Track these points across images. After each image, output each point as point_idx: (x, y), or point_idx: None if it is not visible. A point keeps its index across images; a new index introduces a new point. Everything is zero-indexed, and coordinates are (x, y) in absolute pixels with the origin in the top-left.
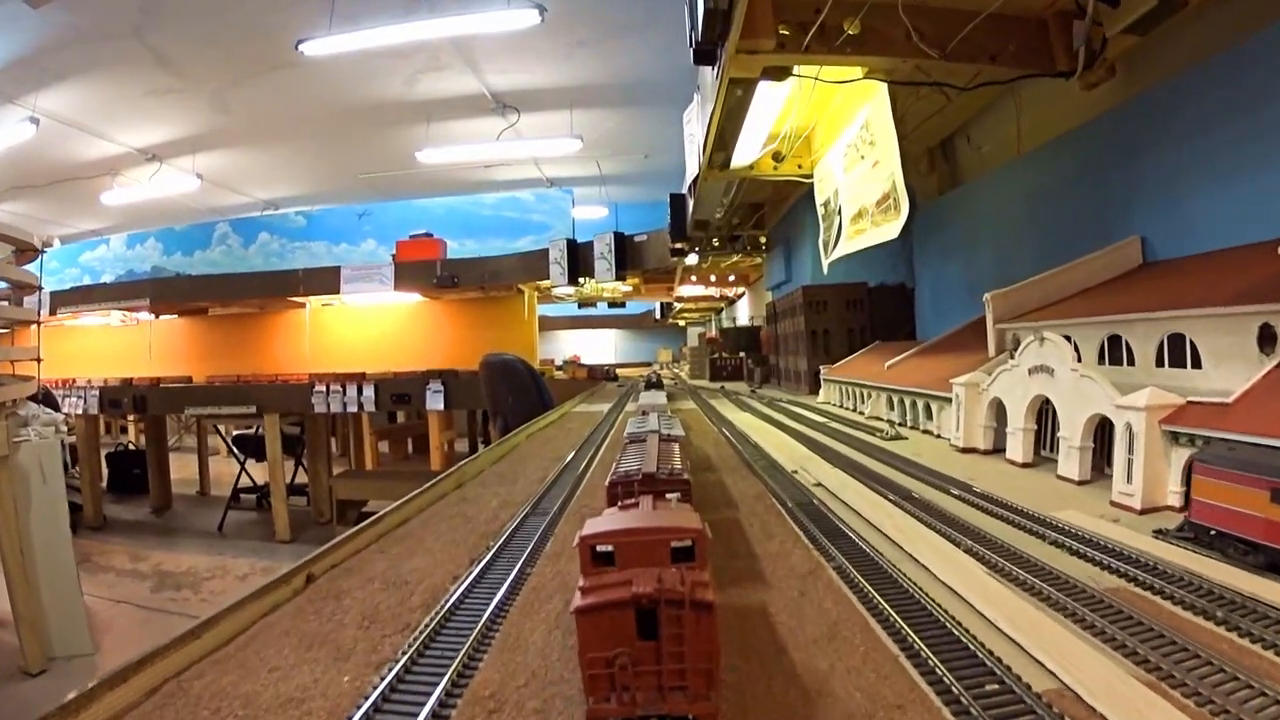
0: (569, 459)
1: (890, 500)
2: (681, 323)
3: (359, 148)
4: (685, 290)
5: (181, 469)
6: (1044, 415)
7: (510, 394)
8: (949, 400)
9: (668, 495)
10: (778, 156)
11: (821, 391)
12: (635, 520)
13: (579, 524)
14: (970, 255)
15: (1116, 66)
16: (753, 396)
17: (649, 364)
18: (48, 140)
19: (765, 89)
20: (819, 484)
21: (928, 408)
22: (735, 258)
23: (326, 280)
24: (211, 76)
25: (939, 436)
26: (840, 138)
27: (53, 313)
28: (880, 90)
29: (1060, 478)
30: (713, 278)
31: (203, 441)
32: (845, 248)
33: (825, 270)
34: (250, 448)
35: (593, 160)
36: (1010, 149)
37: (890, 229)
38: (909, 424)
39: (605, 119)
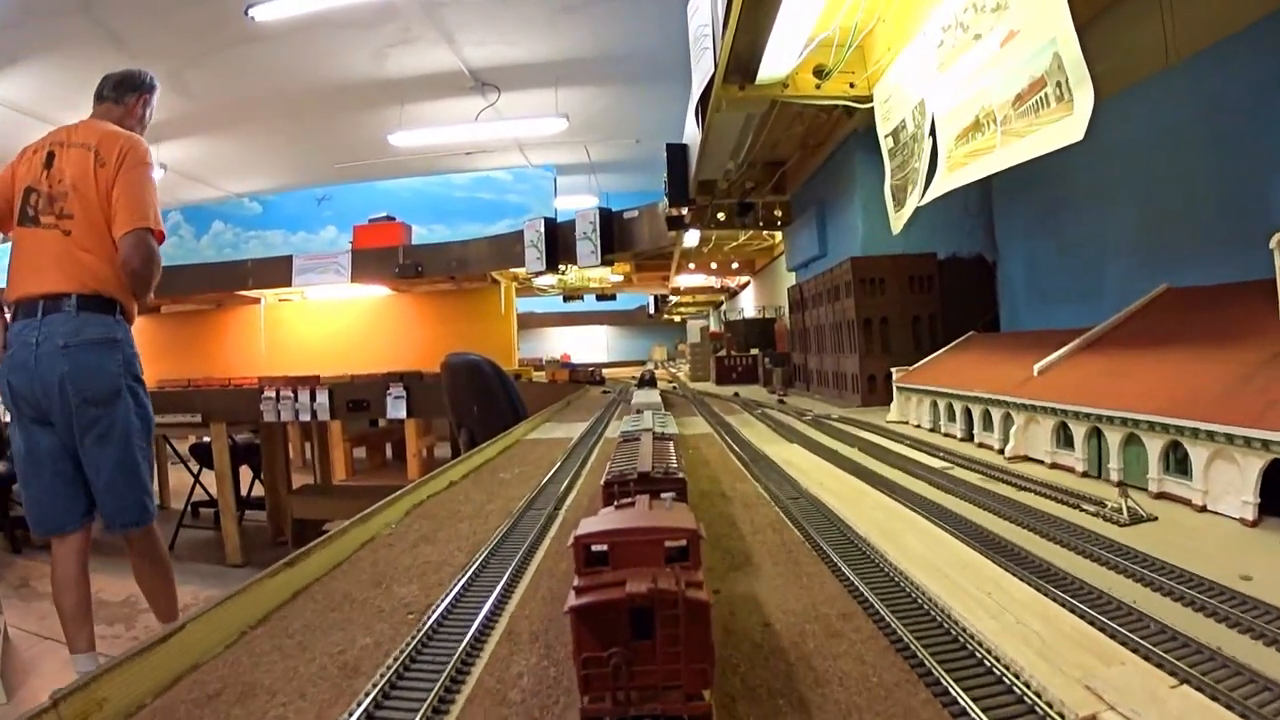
0: (435, 614)
1: None
2: (677, 318)
3: (330, 135)
4: (682, 280)
5: None
6: None
7: (475, 401)
8: (1251, 444)
9: (663, 495)
10: (821, 72)
11: (894, 406)
12: (630, 520)
13: None
14: (1093, 212)
15: None
16: (783, 409)
17: (643, 363)
18: (2, 131)
19: None
20: None
21: (1174, 453)
22: (744, 236)
23: (277, 271)
24: (166, 54)
25: (1206, 509)
26: (927, 22)
27: None
28: None
29: None
30: (713, 265)
31: (161, 450)
32: (946, 184)
33: (896, 229)
34: (210, 457)
35: (580, 145)
36: (1150, 60)
37: (1057, 133)
38: (1115, 477)
39: (593, 98)
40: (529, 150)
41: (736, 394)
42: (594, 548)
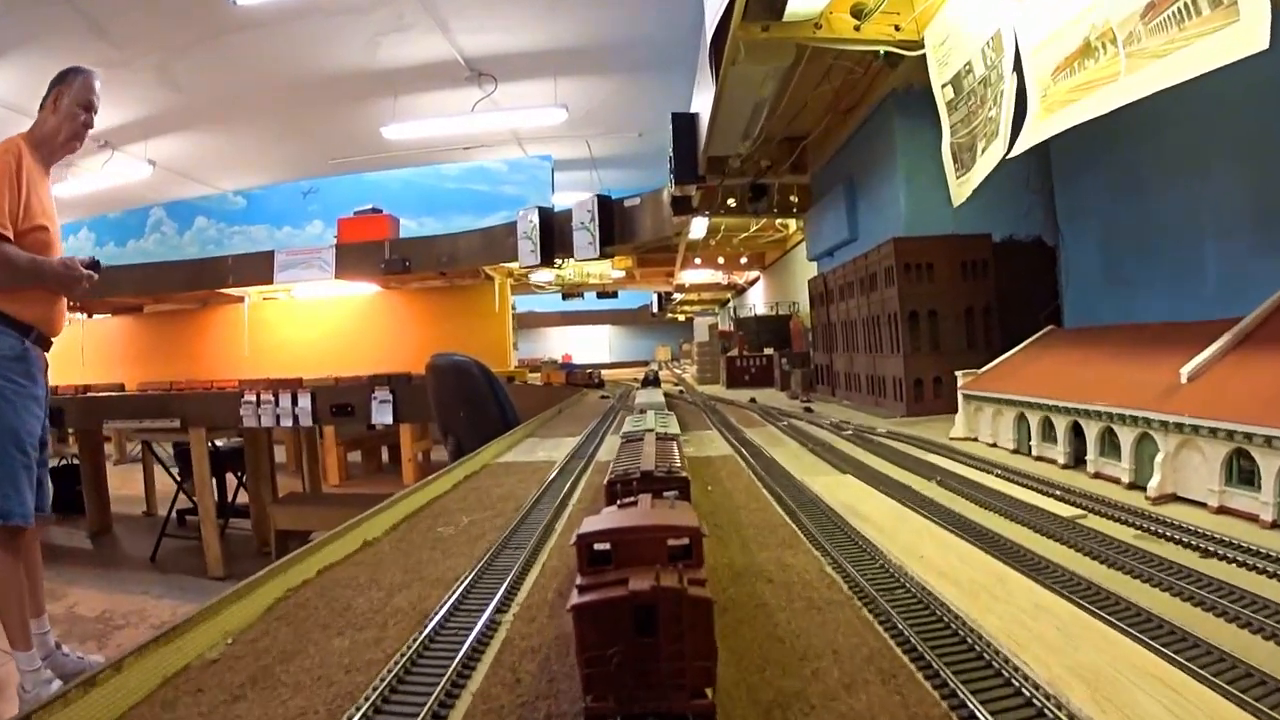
0: None
1: None
2: (681, 317)
3: (321, 128)
4: (687, 276)
5: (136, 483)
6: None
7: (462, 406)
8: None
9: (665, 494)
10: (859, 12)
11: (960, 419)
12: (632, 519)
13: None
14: (1187, 181)
15: None
16: (812, 420)
17: (646, 363)
18: None
19: None
20: None
21: None
22: (755, 225)
23: (258, 267)
24: (150, 44)
25: None
26: None
27: None
28: None
29: None
30: (721, 259)
31: (147, 455)
32: (1043, 130)
33: (960, 198)
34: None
35: (581, 140)
36: None
37: (1219, 46)
38: None
39: (594, 90)
40: (528, 144)
41: (753, 399)
42: (596, 546)
